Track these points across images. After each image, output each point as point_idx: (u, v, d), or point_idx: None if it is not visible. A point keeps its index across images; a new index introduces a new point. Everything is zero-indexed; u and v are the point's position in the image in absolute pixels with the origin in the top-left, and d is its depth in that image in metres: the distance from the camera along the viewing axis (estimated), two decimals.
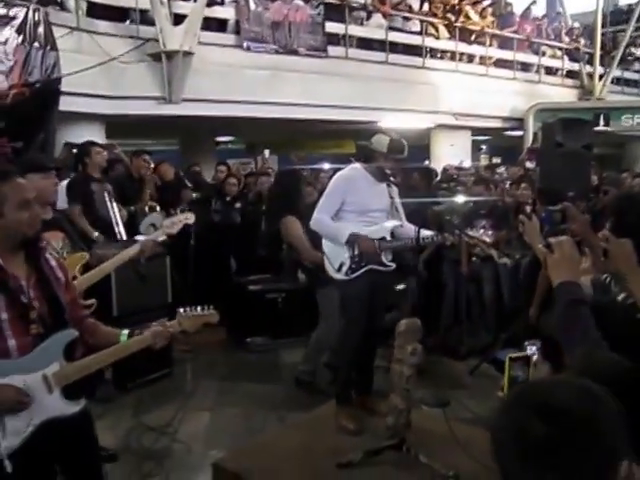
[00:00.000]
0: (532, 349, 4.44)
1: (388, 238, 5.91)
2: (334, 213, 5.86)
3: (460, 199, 8.18)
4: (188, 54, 11.18)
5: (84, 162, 7.35)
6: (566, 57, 20.33)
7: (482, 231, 5.81)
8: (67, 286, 3.54)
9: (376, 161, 5.86)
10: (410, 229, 6.03)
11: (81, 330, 3.48)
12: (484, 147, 21.65)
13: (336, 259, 5.89)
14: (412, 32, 16.06)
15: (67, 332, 3.33)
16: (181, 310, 3.75)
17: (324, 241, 6.06)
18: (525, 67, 19.08)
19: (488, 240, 5.80)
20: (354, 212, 5.81)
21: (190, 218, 5.70)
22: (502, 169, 12.65)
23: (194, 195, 9.98)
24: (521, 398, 1.56)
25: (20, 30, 9.13)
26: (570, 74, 20.45)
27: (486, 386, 6.72)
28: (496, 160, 16.84)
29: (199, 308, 3.81)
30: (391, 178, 5.93)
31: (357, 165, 6.02)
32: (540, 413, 1.46)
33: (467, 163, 14.95)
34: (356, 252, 5.82)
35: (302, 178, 8.34)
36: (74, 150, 8.21)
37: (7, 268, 3.21)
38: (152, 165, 9.52)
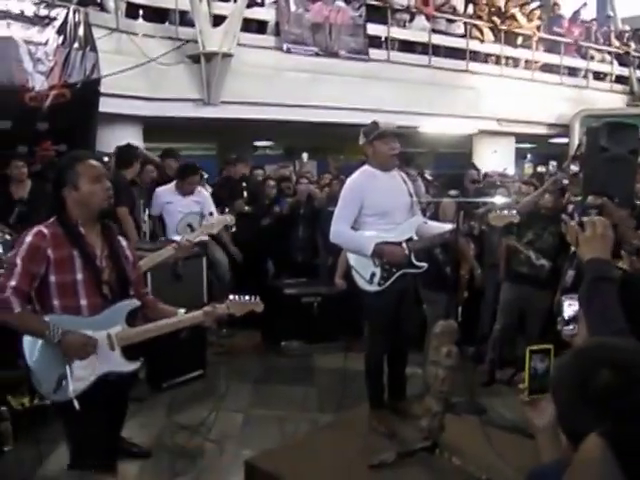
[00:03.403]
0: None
1: (415, 238, 5.83)
2: (353, 221, 5.78)
3: (499, 200, 8.13)
4: (227, 56, 11.24)
5: (128, 166, 7.53)
6: (615, 62, 19.98)
7: (506, 212, 5.73)
8: (134, 265, 4.12)
9: (373, 153, 5.84)
10: (434, 226, 6.05)
11: (143, 304, 4.04)
12: (529, 155, 21.49)
13: (366, 270, 5.81)
14: (456, 35, 15.94)
15: (131, 301, 3.90)
16: (231, 296, 4.16)
17: (349, 253, 6.01)
18: (572, 72, 18.76)
19: (515, 220, 5.75)
20: (374, 215, 5.75)
21: (230, 220, 5.97)
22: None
23: (246, 208, 10.00)
24: (591, 348, 1.79)
25: (60, 31, 9.28)
26: (619, 79, 20.07)
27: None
28: (541, 169, 16.71)
29: (247, 296, 4.20)
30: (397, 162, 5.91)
31: (366, 167, 5.95)
32: (607, 364, 1.66)
33: (510, 171, 14.83)
34: (385, 259, 5.74)
35: None
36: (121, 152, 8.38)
37: (86, 237, 3.76)
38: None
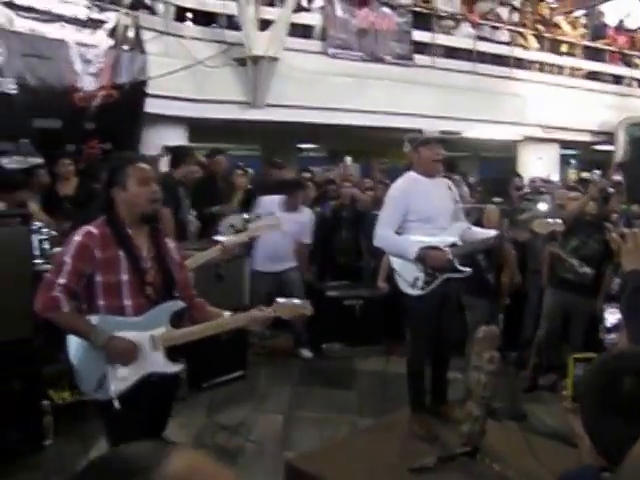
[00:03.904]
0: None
1: (458, 243, 5.80)
2: (398, 225, 5.77)
3: (543, 207, 8.05)
4: (273, 59, 11.25)
5: (179, 166, 7.50)
6: None
7: (551, 220, 5.67)
8: (180, 267, 4.08)
9: (418, 159, 5.86)
10: (477, 231, 6.03)
11: (189, 306, 3.98)
12: (573, 161, 21.30)
13: (409, 274, 5.78)
14: (500, 42, 15.88)
15: (176, 302, 3.84)
16: (278, 299, 3.98)
17: (392, 257, 6.01)
18: (617, 80, 18.59)
19: (559, 229, 5.69)
20: (418, 220, 5.72)
21: (277, 225, 5.82)
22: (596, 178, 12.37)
23: None
24: (615, 357, 1.79)
25: (111, 34, 9.40)
26: None
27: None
28: (585, 175, 16.56)
29: (296, 300, 4.08)
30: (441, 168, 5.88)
31: (411, 172, 5.96)
32: (630, 372, 1.65)
33: (555, 177, 14.73)
34: (428, 264, 5.72)
35: None
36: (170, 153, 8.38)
37: (133, 238, 3.75)
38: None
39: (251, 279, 8.17)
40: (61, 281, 3.55)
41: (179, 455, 1.03)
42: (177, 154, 8.06)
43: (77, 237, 3.65)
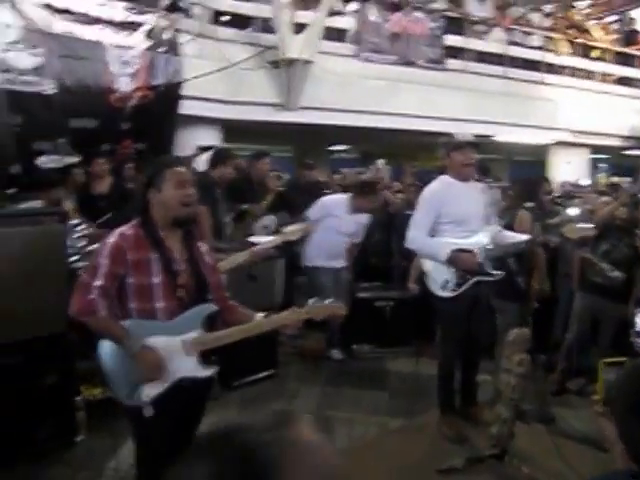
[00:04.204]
0: None
1: (489, 246, 5.82)
2: (431, 228, 5.81)
3: (573, 212, 8.03)
4: (307, 62, 11.32)
5: (217, 166, 7.52)
6: None
7: (583, 225, 5.84)
8: (214, 270, 3.99)
9: (450, 163, 5.87)
10: (510, 235, 6.05)
11: (222, 309, 3.90)
12: (603, 166, 21.22)
13: (440, 275, 5.82)
14: (532, 47, 15.88)
15: (208, 305, 3.76)
16: (311, 300, 3.87)
17: (423, 259, 6.08)
18: None
19: (590, 234, 5.86)
20: (451, 223, 5.76)
21: (309, 229, 5.90)
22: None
23: None
24: None
25: (148, 36, 9.49)
26: None
27: (593, 406, 6.60)
28: (615, 180, 16.44)
29: (328, 300, 3.92)
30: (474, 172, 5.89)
31: (444, 176, 5.98)
32: None
33: (585, 181, 14.65)
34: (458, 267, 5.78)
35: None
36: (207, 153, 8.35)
37: (166, 241, 3.70)
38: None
39: (307, 274, 8.14)
40: (97, 283, 3.53)
41: (303, 460, 1.03)
42: (217, 155, 8.02)
43: (111, 239, 3.62)
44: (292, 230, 5.75)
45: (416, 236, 5.84)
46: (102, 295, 3.53)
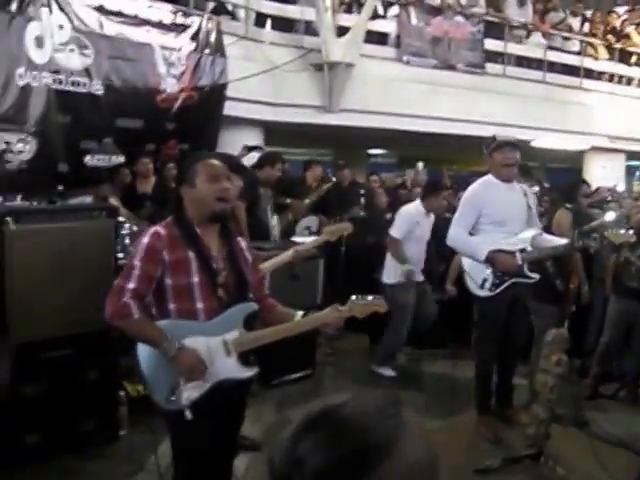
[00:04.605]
0: None
1: (529, 249, 5.87)
2: (471, 227, 5.89)
3: (611, 216, 7.80)
4: (349, 65, 11.31)
5: (263, 167, 7.53)
6: None
7: (623, 231, 5.74)
8: (254, 267, 3.92)
9: (492, 164, 5.95)
10: (548, 238, 6.10)
11: (262, 307, 3.81)
12: (638, 173, 20.95)
13: (478, 275, 5.89)
14: (571, 52, 15.73)
15: (248, 304, 3.69)
16: (353, 297, 3.80)
17: (463, 257, 6.19)
18: None
19: (631, 240, 5.76)
20: (492, 224, 5.82)
21: (348, 229, 5.82)
22: None
23: (361, 213, 9.88)
24: None
25: (194, 38, 9.55)
26: None
27: (627, 411, 6.77)
28: None
29: (370, 297, 3.86)
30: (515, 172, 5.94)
31: (487, 177, 6.04)
32: None
33: (621, 187, 14.49)
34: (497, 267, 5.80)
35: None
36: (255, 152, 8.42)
37: (203, 238, 3.61)
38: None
39: (387, 293, 7.48)
40: (131, 286, 3.46)
41: (412, 442, 1.03)
42: (265, 156, 8.03)
43: (145, 239, 3.55)
44: (332, 230, 5.79)
45: (457, 234, 5.92)
46: (136, 298, 3.46)
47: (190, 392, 3.50)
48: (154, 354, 3.52)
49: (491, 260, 5.73)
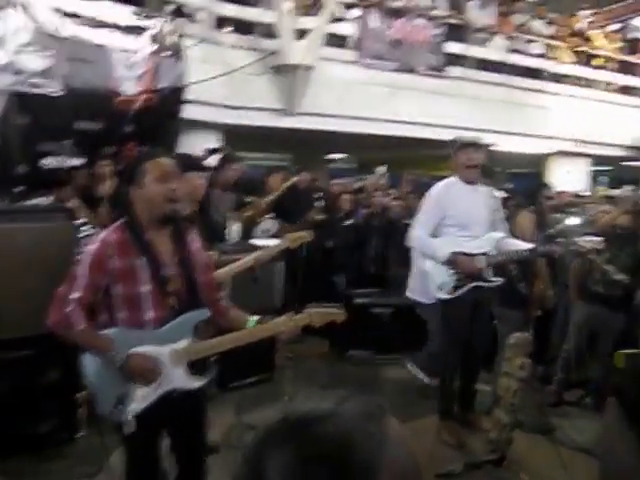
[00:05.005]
0: None
1: (492, 252, 6.03)
2: (434, 229, 6.04)
3: (574, 220, 8.15)
4: (309, 68, 11.61)
5: (224, 167, 7.88)
6: None
7: (591, 238, 5.91)
8: (207, 269, 3.92)
9: (455, 164, 6.14)
10: (513, 242, 6.19)
11: (214, 312, 3.81)
12: (603, 179, 21.31)
13: (438, 277, 6.04)
14: (533, 55, 16.09)
15: (199, 312, 3.67)
16: (309, 305, 3.89)
17: (423, 259, 6.25)
18: None
19: (599, 247, 5.88)
20: (455, 226, 5.98)
21: (309, 237, 5.93)
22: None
23: (319, 217, 10.01)
24: None
25: (153, 40, 9.82)
26: None
27: (592, 418, 6.76)
28: (614, 193, 16.58)
29: (327, 305, 3.98)
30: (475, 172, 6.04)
31: (451, 178, 6.22)
32: None
33: (584, 192, 14.67)
34: (457, 269, 5.98)
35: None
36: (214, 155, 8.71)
37: (153, 243, 3.60)
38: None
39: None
40: (76, 295, 3.43)
41: (397, 454, 1.02)
42: (224, 157, 8.36)
43: (92, 246, 3.52)
44: (294, 237, 5.86)
45: (417, 235, 6.09)
46: (81, 308, 3.44)
47: (137, 403, 3.51)
48: (100, 364, 3.50)
49: (451, 262, 5.90)
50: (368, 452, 0.98)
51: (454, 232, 6.02)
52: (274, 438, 1.03)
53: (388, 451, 1.01)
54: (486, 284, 6.10)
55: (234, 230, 7.76)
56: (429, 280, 6.16)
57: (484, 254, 6.03)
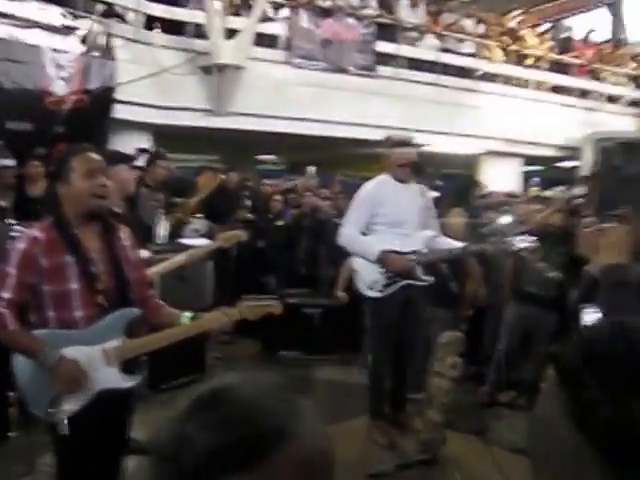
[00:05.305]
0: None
1: (423, 251, 6.12)
2: (364, 227, 6.11)
3: (505, 219, 8.40)
4: (238, 68, 12.02)
5: (152, 166, 8.07)
6: (633, 84, 20.39)
7: (524, 238, 5.96)
8: (137, 266, 3.97)
9: (388, 162, 6.21)
10: (445, 241, 6.30)
11: (146, 309, 3.87)
12: (536, 179, 21.45)
13: (368, 275, 6.13)
14: (465, 54, 16.52)
15: (130, 310, 3.72)
16: (243, 298, 3.94)
17: (354, 257, 6.37)
18: (584, 94, 19.13)
19: (532, 247, 5.90)
20: (386, 224, 6.05)
21: (243, 237, 6.13)
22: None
23: (248, 215, 10.50)
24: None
25: (83, 40, 10.25)
26: (634, 103, 20.49)
27: (525, 418, 6.69)
28: (548, 193, 16.99)
29: (262, 298, 4.03)
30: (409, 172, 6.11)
31: (384, 175, 6.27)
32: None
33: (516, 192, 14.79)
34: (388, 268, 6.04)
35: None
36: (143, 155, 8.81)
37: (81, 239, 3.62)
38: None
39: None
40: (5, 295, 3.45)
41: (309, 428, 1.05)
42: (153, 154, 8.60)
43: (20, 245, 3.54)
44: (227, 237, 6.02)
45: (347, 233, 6.14)
46: (11, 308, 3.46)
47: (71, 404, 3.53)
48: (32, 365, 3.51)
49: (381, 260, 5.95)
50: (279, 418, 1.02)
51: (385, 230, 6.08)
52: (197, 405, 1.09)
53: (299, 423, 1.04)
54: (417, 283, 6.17)
55: (162, 230, 7.84)
56: (358, 278, 6.27)
57: (416, 252, 6.12)
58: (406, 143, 6.25)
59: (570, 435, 0.98)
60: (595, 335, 1.06)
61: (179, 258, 5.65)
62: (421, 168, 6.25)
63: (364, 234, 6.18)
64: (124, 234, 3.93)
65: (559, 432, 1.00)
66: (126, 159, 5.90)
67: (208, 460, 0.99)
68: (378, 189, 6.23)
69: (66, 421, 3.48)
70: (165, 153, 8.78)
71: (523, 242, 5.84)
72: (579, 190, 8.22)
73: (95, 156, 3.69)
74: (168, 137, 12.86)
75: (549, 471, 1.06)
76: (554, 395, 1.04)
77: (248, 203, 10.86)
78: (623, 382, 0.93)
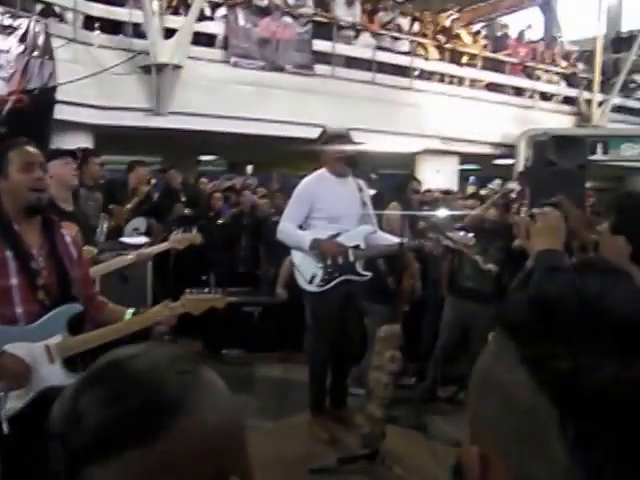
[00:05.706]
0: None
1: (362, 246, 6.34)
2: (302, 221, 6.28)
3: (442, 213, 8.37)
4: (177, 67, 12.49)
5: (87, 162, 8.05)
6: (563, 82, 21.18)
7: (462, 233, 6.26)
8: (79, 263, 3.94)
9: (324, 157, 6.41)
10: (383, 237, 6.55)
11: (90, 306, 3.88)
12: (472, 178, 22.03)
13: (307, 270, 6.29)
14: (401, 52, 16.97)
15: (72, 306, 3.68)
16: (187, 291, 3.98)
17: (293, 251, 6.48)
18: (519, 92, 19.83)
19: (470, 243, 6.21)
20: (324, 219, 6.24)
21: (198, 239, 6.23)
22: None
23: (185, 211, 10.80)
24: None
25: (22, 40, 10.49)
26: (567, 100, 21.30)
27: (464, 413, 7.36)
28: (484, 192, 17.40)
29: (206, 290, 4.07)
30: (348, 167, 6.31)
31: (321, 170, 6.46)
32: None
33: (452, 189, 14.93)
34: (329, 262, 6.18)
35: None
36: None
37: (22, 235, 3.64)
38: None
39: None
40: None
41: (209, 399, 1.04)
42: (86, 151, 8.50)
43: None
44: (179, 239, 6.08)
45: (284, 227, 6.31)
46: None
47: (13, 402, 3.49)
48: None
49: (315, 247, 6.10)
50: (173, 390, 0.99)
51: (323, 225, 6.22)
52: (88, 379, 1.05)
53: (198, 395, 1.01)
54: (356, 277, 6.34)
55: (102, 229, 7.71)
56: (298, 273, 6.41)
57: (355, 247, 6.29)
58: (342, 136, 6.48)
59: (522, 390, 0.93)
60: (546, 288, 1.07)
61: (129, 257, 5.75)
62: (357, 162, 6.44)
63: (303, 229, 6.35)
64: (68, 230, 4.02)
65: (507, 389, 0.96)
66: (58, 154, 5.88)
67: (98, 437, 0.97)
68: (316, 184, 6.42)
69: (6, 421, 3.44)
70: (94, 150, 8.99)
71: (461, 238, 6.17)
72: (514, 185, 8.37)
73: (32, 149, 3.72)
74: (109, 138, 13.05)
75: (491, 430, 1.00)
76: (500, 351, 1.03)
77: (184, 198, 11.05)
78: (577, 336, 0.90)
